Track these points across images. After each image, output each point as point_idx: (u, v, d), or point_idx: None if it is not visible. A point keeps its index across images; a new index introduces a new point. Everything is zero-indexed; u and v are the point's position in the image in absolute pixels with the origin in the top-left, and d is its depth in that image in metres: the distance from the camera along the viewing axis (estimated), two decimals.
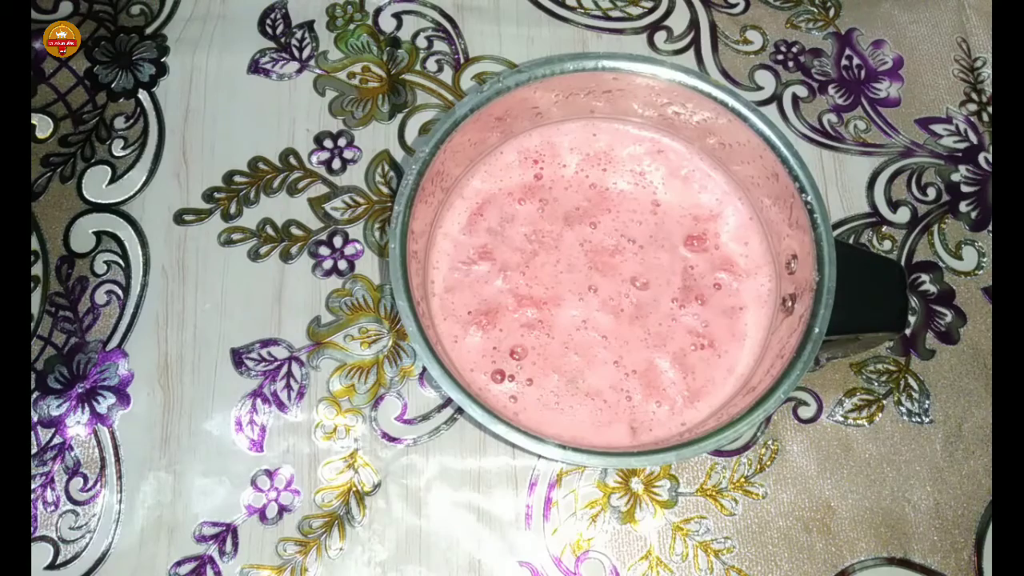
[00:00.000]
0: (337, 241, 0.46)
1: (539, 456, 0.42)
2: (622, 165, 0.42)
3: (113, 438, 0.42)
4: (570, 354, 0.38)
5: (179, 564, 0.40)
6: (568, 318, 0.39)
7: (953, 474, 0.43)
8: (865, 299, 0.36)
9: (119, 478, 0.42)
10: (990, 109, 0.51)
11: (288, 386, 0.43)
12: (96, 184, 0.47)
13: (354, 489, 0.42)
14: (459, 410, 0.43)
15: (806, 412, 0.44)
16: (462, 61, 0.51)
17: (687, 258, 0.40)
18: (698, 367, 0.38)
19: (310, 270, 0.46)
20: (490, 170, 0.41)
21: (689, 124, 0.40)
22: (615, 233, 0.40)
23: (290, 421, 0.43)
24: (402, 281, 0.34)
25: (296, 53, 0.51)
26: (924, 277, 0.47)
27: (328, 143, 0.48)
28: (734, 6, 0.53)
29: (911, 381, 0.44)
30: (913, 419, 0.44)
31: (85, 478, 0.42)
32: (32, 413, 0.42)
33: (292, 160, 0.48)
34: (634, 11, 0.53)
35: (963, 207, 0.48)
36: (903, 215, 0.48)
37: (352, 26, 0.51)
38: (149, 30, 0.51)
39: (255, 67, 0.50)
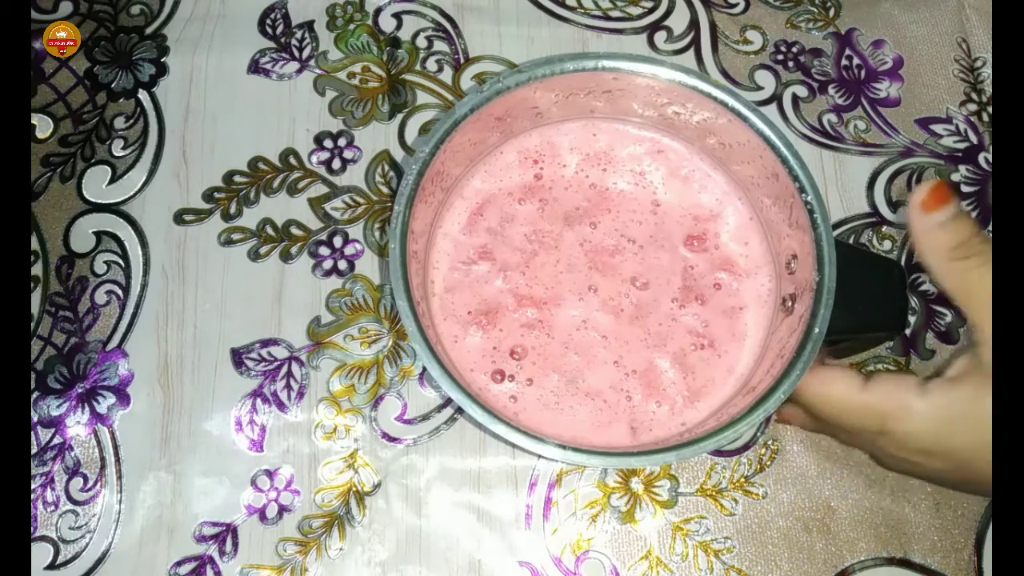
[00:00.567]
0: (337, 241, 0.46)
1: (539, 456, 0.42)
2: (622, 165, 0.42)
3: (113, 438, 0.42)
4: (570, 354, 0.38)
5: (179, 564, 0.40)
6: (568, 318, 0.39)
7: None
8: (865, 299, 0.36)
9: (119, 478, 0.42)
10: (990, 109, 0.50)
11: (288, 386, 0.43)
12: (96, 184, 0.47)
13: (354, 489, 0.42)
14: (459, 410, 0.43)
15: None
16: (462, 61, 0.51)
17: (687, 258, 0.40)
18: (698, 367, 0.38)
19: (310, 270, 0.46)
20: (490, 170, 0.41)
21: (689, 124, 0.40)
22: (615, 233, 0.40)
23: (290, 421, 0.43)
24: (402, 281, 0.34)
25: (296, 53, 0.51)
26: (924, 277, 0.47)
27: (328, 143, 0.48)
28: (734, 6, 0.53)
29: None
30: None
31: (85, 478, 0.42)
32: (32, 413, 0.42)
33: (292, 160, 0.48)
34: (634, 11, 0.53)
35: (963, 207, 0.48)
36: (903, 215, 0.48)
37: (352, 26, 0.51)
38: (149, 30, 0.51)
39: (255, 67, 0.50)
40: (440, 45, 0.51)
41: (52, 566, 0.40)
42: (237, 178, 0.48)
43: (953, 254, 0.32)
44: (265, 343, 0.44)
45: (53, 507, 0.41)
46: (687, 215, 0.41)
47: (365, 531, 0.41)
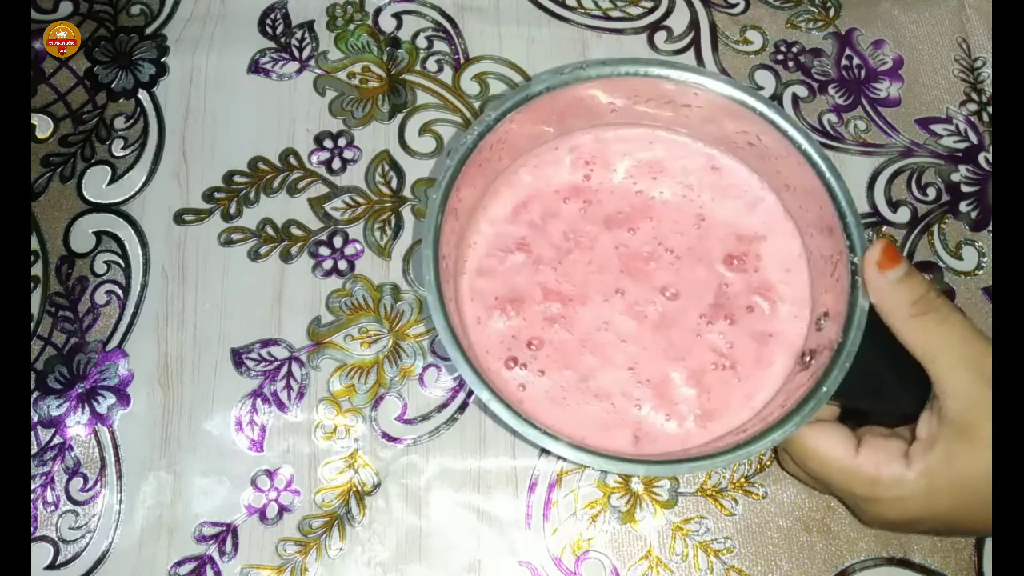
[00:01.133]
0: (337, 241, 0.46)
1: (541, 451, 0.42)
2: (673, 176, 0.41)
3: (113, 438, 0.42)
4: (586, 353, 0.38)
5: (179, 564, 0.40)
6: (591, 317, 0.38)
7: None
8: (883, 380, 0.35)
9: (119, 478, 0.42)
10: (990, 109, 0.50)
11: (288, 386, 0.43)
12: (96, 184, 0.47)
13: (354, 489, 0.42)
14: (460, 409, 0.43)
15: None
16: (462, 61, 0.51)
17: (724, 275, 0.39)
18: (715, 387, 0.37)
19: (310, 270, 0.46)
20: (540, 164, 0.41)
21: (755, 151, 0.39)
22: (653, 240, 0.40)
23: (290, 421, 0.43)
24: (433, 234, 0.34)
25: (296, 53, 0.51)
26: (925, 277, 0.47)
27: (328, 143, 0.48)
28: (734, 6, 0.53)
29: None
30: None
31: (85, 478, 0.42)
32: (32, 413, 0.42)
33: (292, 160, 0.48)
34: (634, 11, 0.53)
35: (963, 207, 0.48)
36: (903, 215, 0.48)
37: (352, 26, 0.51)
38: (149, 30, 0.51)
39: (255, 67, 0.50)
40: (440, 45, 0.51)
41: (52, 566, 0.40)
42: (237, 178, 0.48)
43: (912, 310, 0.32)
44: (265, 343, 0.44)
45: (53, 507, 0.41)
46: (731, 233, 0.40)
47: (365, 531, 0.41)
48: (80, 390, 0.43)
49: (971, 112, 0.51)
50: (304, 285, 0.45)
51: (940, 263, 0.47)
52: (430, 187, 0.47)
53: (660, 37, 0.52)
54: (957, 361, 0.31)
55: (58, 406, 0.43)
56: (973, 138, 0.50)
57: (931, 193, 0.49)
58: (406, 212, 0.47)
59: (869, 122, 0.50)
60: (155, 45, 0.51)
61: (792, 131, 0.36)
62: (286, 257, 0.46)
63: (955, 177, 0.49)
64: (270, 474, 0.42)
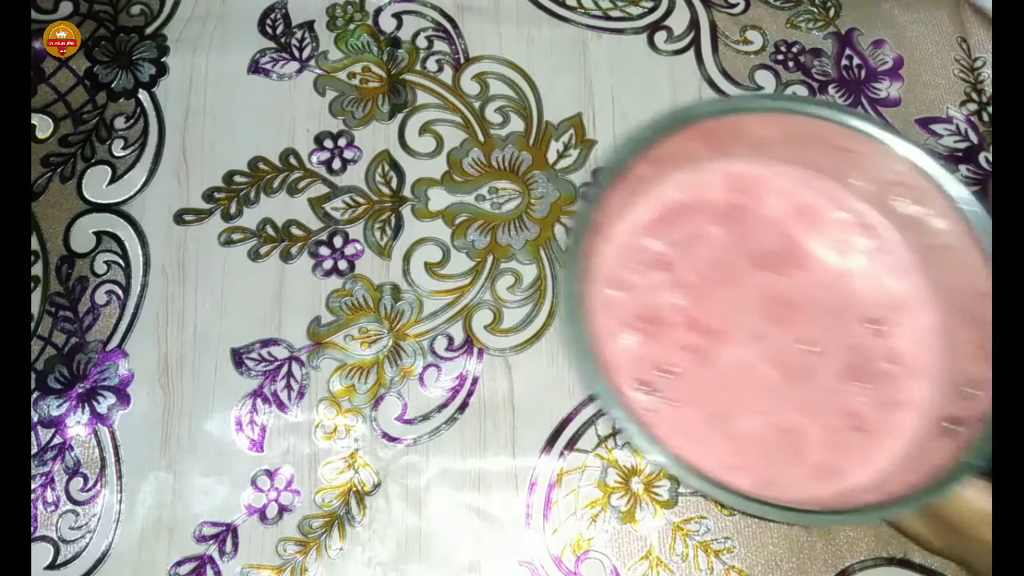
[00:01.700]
0: (337, 241, 0.46)
1: (541, 451, 0.42)
2: (826, 226, 0.39)
3: (113, 438, 0.42)
4: (721, 392, 0.36)
5: (179, 564, 0.40)
6: (730, 356, 0.37)
7: None
8: None
9: (119, 478, 0.42)
10: (990, 109, 0.50)
11: (288, 386, 0.43)
12: (96, 184, 0.47)
13: (354, 489, 0.42)
14: (460, 409, 0.43)
15: None
16: (462, 61, 0.51)
17: (863, 337, 0.38)
18: (846, 447, 0.36)
19: (310, 270, 0.46)
20: (690, 182, 0.39)
21: (916, 219, 0.38)
22: (798, 289, 0.38)
23: (290, 421, 0.43)
24: (581, 249, 0.32)
25: (296, 53, 0.51)
26: None
27: (328, 143, 0.48)
28: (734, 6, 0.53)
29: None
30: None
31: (85, 478, 0.42)
32: (32, 413, 0.42)
33: (292, 160, 0.48)
34: (634, 11, 0.53)
35: None
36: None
37: (352, 26, 0.51)
38: (149, 30, 0.51)
39: (255, 67, 0.50)
40: (440, 45, 0.51)
41: (52, 566, 0.40)
42: (237, 178, 0.48)
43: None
44: (265, 343, 0.44)
45: (53, 507, 0.41)
46: (876, 296, 0.39)
47: (365, 531, 0.41)
48: (80, 390, 0.43)
49: (971, 112, 0.51)
50: (304, 285, 0.45)
51: None
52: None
53: (660, 37, 0.52)
54: None
55: (58, 406, 0.43)
56: (973, 138, 0.50)
57: None
58: (406, 212, 0.47)
59: None
60: (155, 45, 0.51)
61: (972, 214, 0.34)
62: (286, 257, 0.46)
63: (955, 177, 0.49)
64: (270, 474, 0.42)
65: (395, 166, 0.48)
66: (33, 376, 0.43)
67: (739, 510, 0.37)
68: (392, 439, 0.43)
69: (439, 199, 0.47)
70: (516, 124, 0.49)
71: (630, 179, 0.36)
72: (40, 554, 0.40)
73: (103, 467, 0.42)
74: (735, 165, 0.40)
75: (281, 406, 0.43)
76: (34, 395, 0.43)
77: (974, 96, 0.51)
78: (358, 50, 0.51)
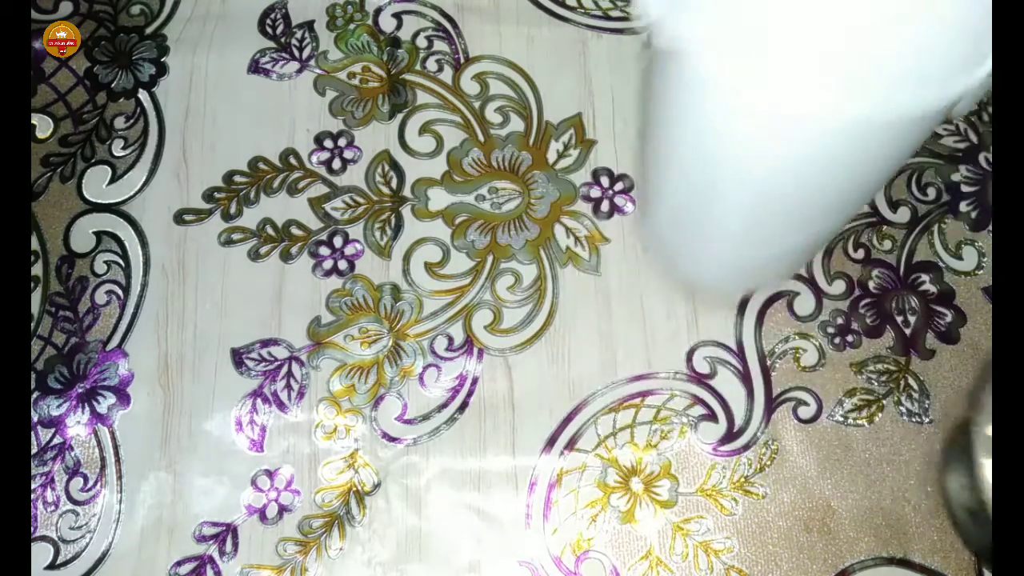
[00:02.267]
0: (337, 241, 0.46)
1: (541, 451, 0.42)
2: None
3: (113, 438, 0.42)
4: None
5: (179, 564, 0.40)
6: None
7: None
8: None
9: (119, 478, 0.42)
10: (990, 109, 0.50)
11: (288, 386, 0.43)
12: (96, 184, 0.47)
13: (354, 489, 0.42)
14: (460, 409, 0.43)
15: (806, 412, 0.44)
16: (462, 61, 0.51)
17: None
18: None
19: (310, 270, 0.46)
20: None
21: None
22: None
23: (290, 421, 0.43)
24: None
25: (296, 53, 0.51)
26: (924, 277, 0.47)
27: (328, 143, 0.48)
28: None
29: (911, 381, 0.44)
30: (913, 419, 0.44)
31: (85, 478, 0.42)
32: (32, 413, 0.42)
33: (292, 160, 0.48)
34: (634, 11, 0.53)
35: (963, 207, 0.48)
36: (903, 215, 0.48)
37: (352, 26, 0.51)
38: (149, 30, 0.51)
39: (255, 67, 0.50)
40: (440, 45, 0.51)
41: (52, 566, 0.40)
42: (237, 178, 0.48)
43: None
44: (265, 343, 0.44)
45: (53, 507, 0.41)
46: None
47: (365, 531, 0.41)
48: (80, 390, 0.43)
49: (971, 112, 0.51)
50: (304, 285, 0.45)
51: (940, 263, 0.47)
52: (430, 187, 0.47)
53: None
54: None
55: (58, 406, 0.43)
56: (973, 138, 0.50)
57: (931, 193, 0.49)
58: (406, 212, 0.47)
59: None
60: (155, 45, 0.51)
61: None
62: (286, 257, 0.46)
63: (955, 177, 0.49)
64: (270, 474, 0.42)
65: (395, 166, 0.48)
66: (33, 376, 0.43)
67: None
68: (392, 439, 0.43)
69: (439, 199, 0.47)
70: (516, 124, 0.49)
71: None
72: (40, 554, 0.40)
73: (103, 467, 0.42)
74: None
75: (281, 406, 0.43)
76: (34, 395, 0.43)
77: None
78: (358, 50, 0.51)
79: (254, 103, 0.49)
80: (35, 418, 0.42)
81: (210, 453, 0.42)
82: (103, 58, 0.50)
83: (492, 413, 0.43)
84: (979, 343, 0.45)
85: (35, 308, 0.45)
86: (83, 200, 0.47)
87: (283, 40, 0.51)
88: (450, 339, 0.45)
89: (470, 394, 0.44)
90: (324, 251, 0.46)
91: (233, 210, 0.47)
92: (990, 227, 0.48)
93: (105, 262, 0.46)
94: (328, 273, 0.46)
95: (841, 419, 0.44)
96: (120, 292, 0.45)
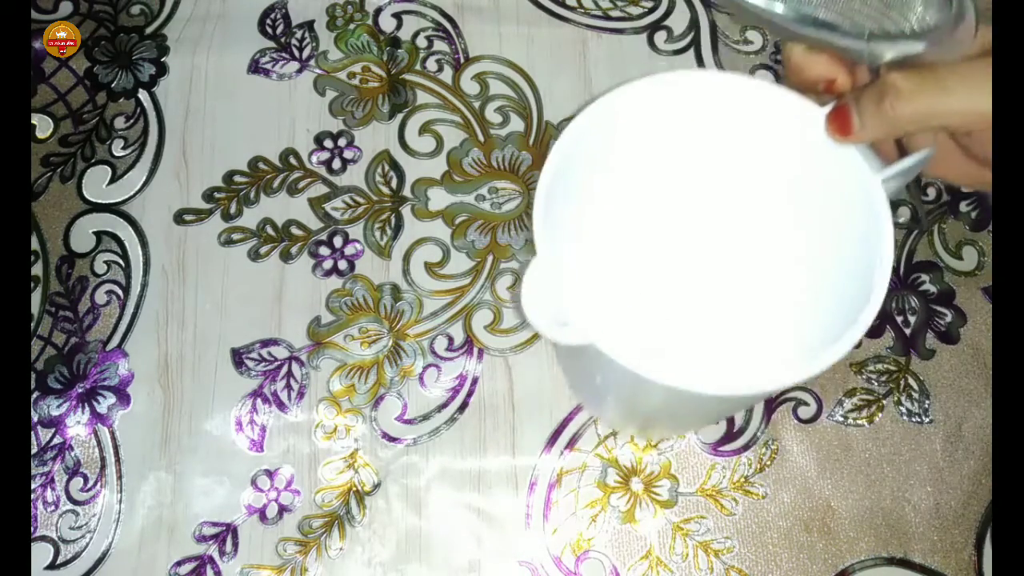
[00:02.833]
0: (337, 241, 0.46)
1: (541, 451, 0.42)
2: None
3: (113, 438, 0.42)
4: None
5: (179, 564, 0.40)
6: None
7: (953, 474, 0.43)
8: None
9: (119, 478, 0.42)
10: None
11: (288, 386, 0.43)
12: (96, 184, 0.47)
13: (354, 489, 0.42)
14: (460, 409, 0.43)
15: (806, 412, 0.44)
16: (462, 61, 0.51)
17: None
18: None
19: (310, 270, 0.46)
20: None
21: None
22: None
23: (290, 421, 0.43)
24: None
25: (296, 53, 0.51)
26: (924, 277, 0.47)
27: (328, 143, 0.48)
28: None
29: (911, 381, 0.44)
30: (913, 419, 0.44)
31: (85, 478, 0.42)
32: (32, 413, 0.42)
33: (292, 160, 0.48)
34: (634, 11, 0.53)
35: (963, 207, 0.48)
36: (903, 215, 0.48)
37: (352, 26, 0.51)
38: (149, 30, 0.51)
39: (255, 67, 0.50)
40: (440, 45, 0.51)
41: (52, 566, 0.40)
42: (237, 178, 0.48)
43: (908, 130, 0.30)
44: (265, 343, 0.44)
45: (53, 507, 0.41)
46: None
47: (365, 531, 0.41)
48: (80, 390, 0.43)
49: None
50: (304, 285, 0.45)
51: (940, 263, 0.47)
52: (430, 187, 0.47)
53: (660, 37, 0.52)
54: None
55: (58, 406, 0.43)
56: None
57: (931, 193, 0.49)
58: (406, 212, 0.47)
59: None
60: (155, 45, 0.51)
61: None
62: (286, 257, 0.46)
63: None
64: (270, 474, 0.42)
65: (395, 166, 0.48)
66: (33, 376, 0.43)
67: None
68: (392, 439, 0.43)
69: (439, 199, 0.47)
70: (516, 124, 0.49)
71: None
72: (40, 554, 0.40)
73: (103, 467, 0.42)
74: None
75: (281, 406, 0.43)
76: (34, 395, 0.43)
77: None
78: (358, 50, 0.51)
79: (254, 103, 0.49)
80: (35, 418, 0.42)
81: (210, 453, 0.42)
82: (103, 58, 0.50)
83: (492, 413, 0.43)
84: (979, 343, 0.45)
85: (35, 308, 0.45)
86: (83, 200, 0.47)
87: (283, 40, 0.51)
88: (450, 339, 0.45)
89: (470, 394, 0.44)
90: (324, 251, 0.46)
91: (233, 210, 0.47)
92: (990, 227, 0.48)
93: (105, 262, 0.46)
94: (328, 273, 0.46)
95: (841, 419, 0.44)
96: (120, 292, 0.45)
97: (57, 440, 0.42)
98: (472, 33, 0.51)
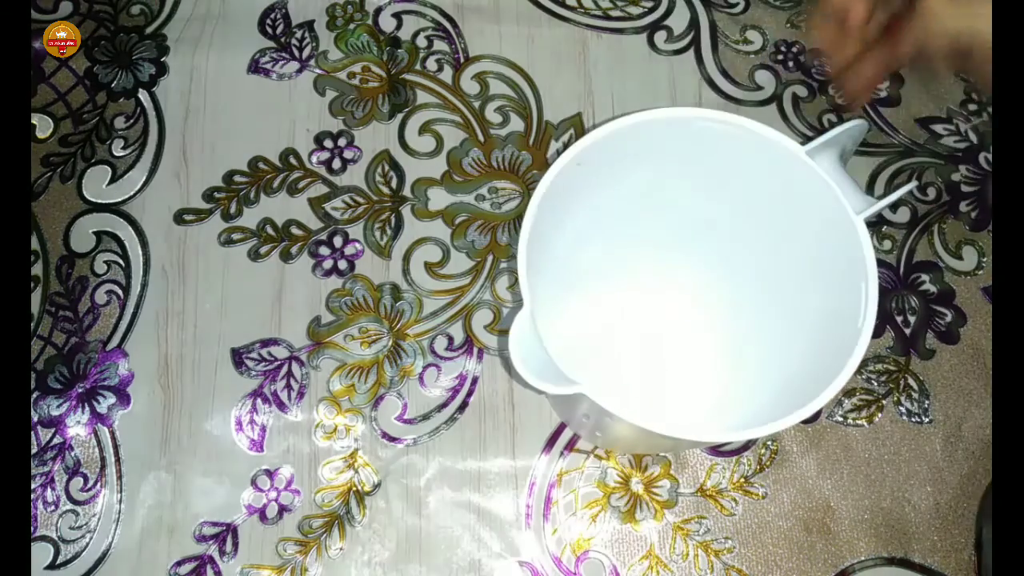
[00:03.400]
0: (337, 241, 0.46)
1: (541, 451, 0.42)
2: None
3: (113, 438, 0.42)
4: None
5: (179, 564, 0.40)
6: None
7: (953, 474, 0.43)
8: None
9: (119, 478, 0.42)
10: (990, 109, 0.50)
11: (288, 386, 0.43)
12: (96, 184, 0.47)
13: (354, 489, 0.42)
14: (460, 409, 0.43)
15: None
16: (462, 60, 0.51)
17: None
18: None
19: (310, 270, 0.46)
20: None
21: None
22: None
23: (290, 421, 0.43)
24: None
25: (296, 53, 0.51)
26: (924, 277, 0.47)
27: (328, 143, 0.48)
28: (734, 6, 0.53)
29: (911, 381, 0.44)
30: (913, 419, 0.44)
31: (85, 478, 0.42)
32: (32, 413, 0.42)
33: (292, 160, 0.48)
34: (634, 11, 0.53)
35: (963, 207, 0.48)
36: (903, 215, 0.48)
37: (352, 26, 0.51)
38: (149, 30, 0.51)
39: (255, 67, 0.50)
40: (440, 45, 0.51)
41: (52, 566, 0.40)
42: (237, 178, 0.48)
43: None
44: (265, 343, 0.44)
45: (53, 507, 0.41)
46: None
47: (365, 531, 0.41)
48: (80, 390, 0.43)
49: (971, 112, 0.51)
50: (304, 285, 0.45)
51: (940, 263, 0.47)
52: (430, 187, 0.47)
53: (660, 37, 0.52)
54: None
55: (58, 406, 0.43)
56: (973, 138, 0.50)
57: (931, 193, 0.49)
58: (406, 212, 0.47)
59: (869, 122, 0.50)
60: (155, 45, 0.51)
61: None
62: (286, 257, 0.46)
63: (955, 177, 0.49)
64: (270, 474, 0.42)
65: (395, 166, 0.48)
66: (33, 376, 0.43)
67: None
68: (392, 439, 0.43)
69: (439, 199, 0.47)
70: (516, 124, 0.49)
71: None
72: (40, 554, 0.40)
73: (103, 467, 0.42)
74: None
75: (281, 406, 0.43)
76: (34, 395, 0.43)
77: (974, 96, 0.51)
78: (358, 50, 0.51)
79: (254, 103, 0.49)
80: (35, 418, 0.42)
81: (210, 453, 0.42)
82: (103, 58, 0.50)
83: (492, 413, 0.43)
84: (979, 343, 0.45)
85: (35, 308, 0.45)
86: (83, 200, 0.47)
87: (283, 40, 0.51)
88: (450, 339, 0.45)
89: (470, 394, 0.44)
90: (324, 251, 0.46)
91: (233, 210, 0.47)
92: (990, 227, 0.48)
93: (105, 262, 0.46)
94: (328, 273, 0.46)
95: (841, 419, 0.44)
96: (120, 292, 0.45)
97: (57, 440, 0.42)
98: (472, 33, 0.51)
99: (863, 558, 0.41)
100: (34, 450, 0.42)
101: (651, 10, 0.53)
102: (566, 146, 0.49)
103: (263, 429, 0.43)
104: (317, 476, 0.42)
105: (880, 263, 0.47)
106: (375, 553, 0.41)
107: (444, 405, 0.43)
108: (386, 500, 0.42)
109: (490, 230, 0.47)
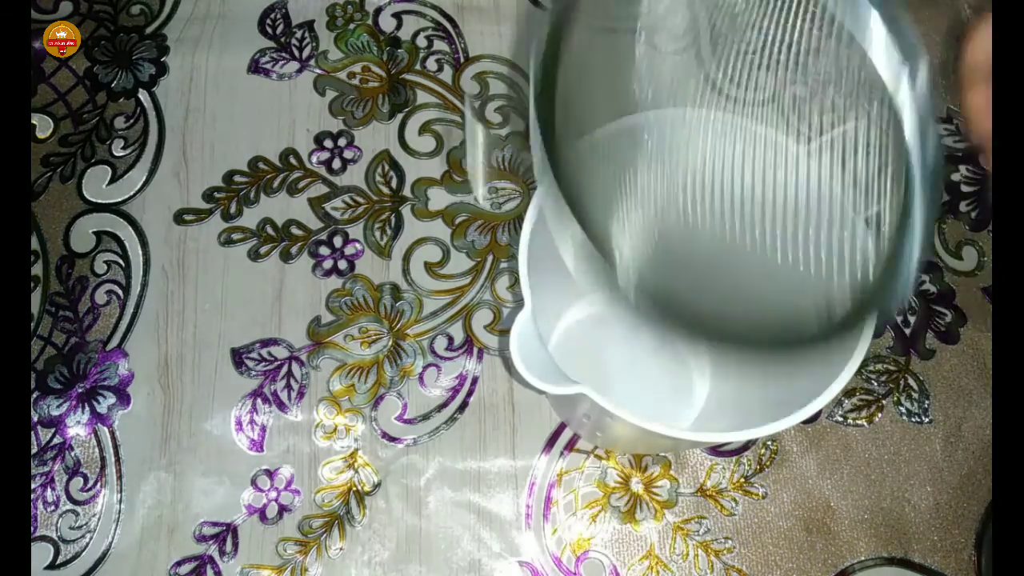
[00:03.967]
0: (337, 241, 0.46)
1: (541, 451, 0.42)
2: None
3: (113, 438, 0.42)
4: None
5: (179, 564, 0.40)
6: None
7: (953, 474, 0.43)
8: None
9: (119, 478, 0.42)
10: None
11: (288, 386, 0.43)
12: (96, 184, 0.47)
13: (354, 489, 0.42)
14: (460, 409, 0.43)
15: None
16: (462, 60, 0.51)
17: None
18: None
19: (310, 270, 0.46)
20: None
21: None
22: None
23: (290, 421, 0.43)
24: None
25: (296, 53, 0.51)
26: (924, 277, 0.47)
27: (328, 143, 0.48)
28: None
29: (911, 381, 0.44)
30: (913, 419, 0.44)
31: (85, 478, 0.42)
32: (32, 413, 0.42)
33: (292, 160, 0.48)
34: None
35: (963, 207, 0.48)
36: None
37: (352, 26, 0.51)
38: (149, 30, 0.51)
39: (255, 67, 0.50)
40: (440, 45, 0.51)
41: (52, 566, 0.40)
42: (237, 178, 0.48)
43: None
44: (265, 343, 0.44)
45: (53, 507, 0.41)
46: None
47: (365, 531, 0.41)
48: (80, 390, 0.43)
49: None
50: (304, 285, 0.45)
51: (940, 263, 0.47)
52: (430, 187, 0.47)
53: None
54: None
55: (58, 406, 0.43)
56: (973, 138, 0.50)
57: None
58: (406, 212, 0.47)
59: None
60: (155, 45, 0.51)
61: None
62: (286, 257, 0.46)
63: (955, 177, 0.49)
64: (270, 474, 0.42)
65: (395, 166, 0.48)
66: (33, 376, 0.43)
67: None
68: (392, 439, 0.43)
69: (439, 199, 0.47)
70: (516, 124, 0.49)
71: None
72: (40, 554, 0.40)
73: (103, 467, 0.42)
74: None
75: (281, 406, 0.43)
76: (34, 395, 0.43)
77: None
78: (358, 50, 0.51)
79: (254, 103, 0.49)
80: (35, 418, 0.42)
81: (210, 453, 0.42)
82: (103, 58, 0.50)
83: (492, 413, 0.43)
84: (979, 343, 0.45)
85: (35, 308, 0.45)
86: (83, 200, 0.47)
87: (283, 40, 0.51)
88: (450, 339, 0.45)
89: (470, 394, 0.44)
90: (324, 251, 0.46)
91: (233, 210, 0.47)
92: (990, 227, 0.48)
93: (105, 262, 0.46)
94: (328, 273, 0.46)
95: (841, 419, 0.44)
96: (120, 292, 0.45)
97: (57, 440, 0.42)
98: (472, 33, 0.51)
99: (863, 558, 0.41)
100: (34, 450, 0.42)
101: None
102: None
103: (263, 429, 0.43)
104: (317, 476, 0.42)
105: None
106: (375, 553, 0.41)
107: (444, 405, 0.43)
108: (386, 500, 0.42)
109: (490, 230, 0.47)
